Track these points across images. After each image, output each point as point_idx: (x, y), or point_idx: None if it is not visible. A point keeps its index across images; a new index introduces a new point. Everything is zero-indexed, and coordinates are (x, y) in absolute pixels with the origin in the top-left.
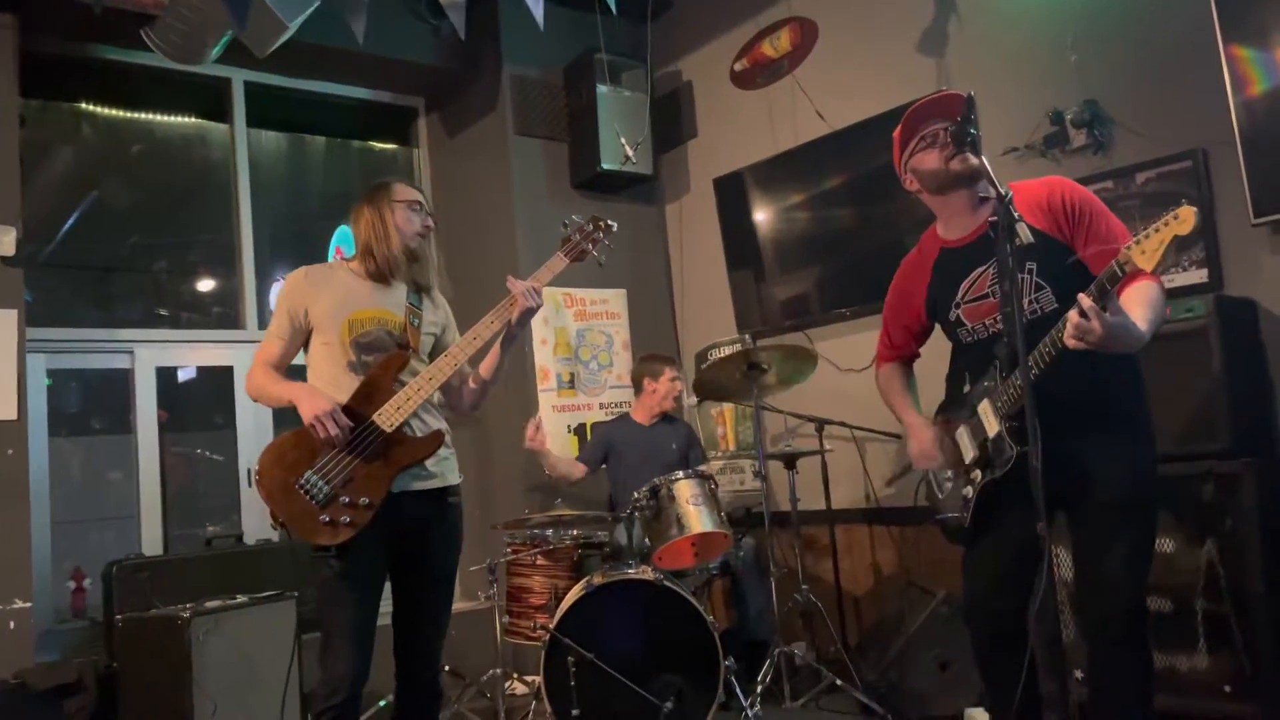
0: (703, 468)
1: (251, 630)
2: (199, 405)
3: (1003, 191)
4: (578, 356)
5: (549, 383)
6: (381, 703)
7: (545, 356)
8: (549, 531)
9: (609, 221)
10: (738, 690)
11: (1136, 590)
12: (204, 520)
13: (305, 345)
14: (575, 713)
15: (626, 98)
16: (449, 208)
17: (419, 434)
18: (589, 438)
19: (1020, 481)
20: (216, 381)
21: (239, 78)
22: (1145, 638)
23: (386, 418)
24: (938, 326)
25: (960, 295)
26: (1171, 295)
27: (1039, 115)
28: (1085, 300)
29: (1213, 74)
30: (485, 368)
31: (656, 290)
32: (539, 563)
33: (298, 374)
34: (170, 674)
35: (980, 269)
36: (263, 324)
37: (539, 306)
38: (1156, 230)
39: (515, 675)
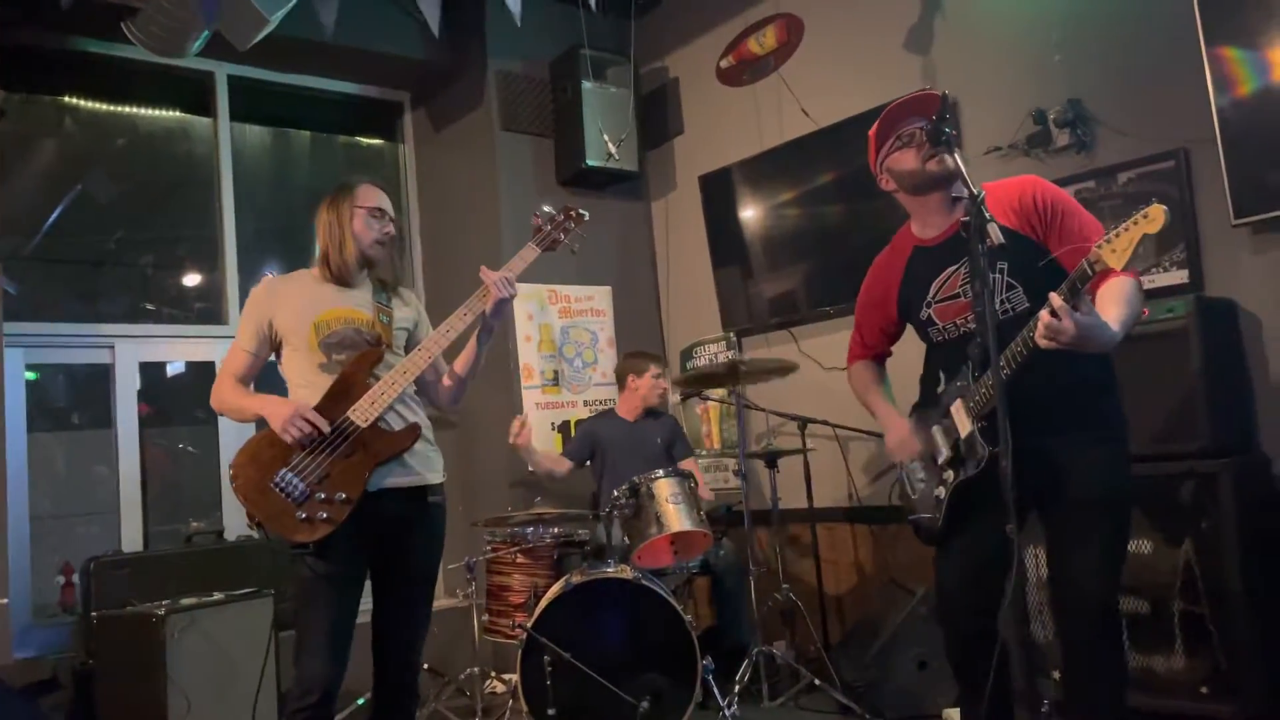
0: (689, 460)
1: (228, 627)
2: (183, 400)
3: (975, 191)
4: (562, 354)
5: (533, 380)
6: (359, 701)
7: (529, 354)
8: (529, 530)
9: (580, 210)
10: (715, 690)
11: (1110, 588)
12: (187, 515)
13: (278, 355)
14: (551, 712)
15: (611, 94)
16: (434, 203)
17: (396, 428)
18: (573, 434)
19: (993, 481)
20: (200, 376)
21: (222, 71)
22: (1119, 636)
23: (361, 413)
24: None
25: (931, 294)
26: (1152, 295)
27: (1022, 114)
28: (1056, 299)
29: (1195, 75)
30: (460, 364)
31: (642, 288)
32: (519, 561)
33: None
34: (145, 671)
35: (952, 268)
36: None
37: (513, 296)
38: (1126, 229)
39: (494, 674)
